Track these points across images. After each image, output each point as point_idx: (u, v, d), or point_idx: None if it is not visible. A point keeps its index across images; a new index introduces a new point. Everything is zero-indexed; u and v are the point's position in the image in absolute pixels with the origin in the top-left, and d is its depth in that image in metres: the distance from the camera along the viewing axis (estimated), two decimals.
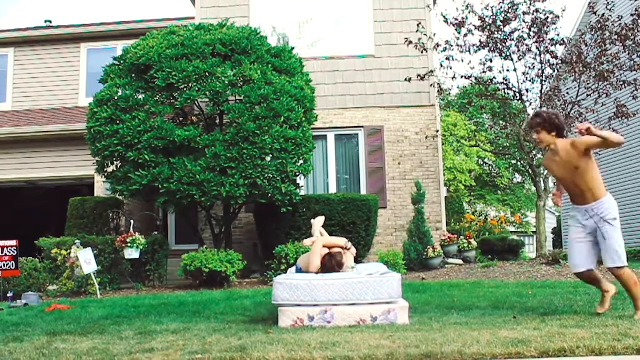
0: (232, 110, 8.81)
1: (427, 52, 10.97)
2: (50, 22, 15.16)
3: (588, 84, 10.39)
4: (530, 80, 10.72)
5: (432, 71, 11.07)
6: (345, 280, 4.82)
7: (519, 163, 17.34)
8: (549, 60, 10.42)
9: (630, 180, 16.47)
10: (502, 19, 10.46)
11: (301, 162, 9.31)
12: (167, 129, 8.65)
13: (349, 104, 11.64)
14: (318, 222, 6.31)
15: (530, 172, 10.93)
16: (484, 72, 11.01)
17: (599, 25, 10.23)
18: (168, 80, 8.76)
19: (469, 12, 10.68)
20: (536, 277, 8.24)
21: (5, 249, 7.90)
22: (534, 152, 10.87)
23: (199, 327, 4.83)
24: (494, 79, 11.05)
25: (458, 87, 24.17)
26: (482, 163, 25.81)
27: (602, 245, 4.58)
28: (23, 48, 14.07)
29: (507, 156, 20.64)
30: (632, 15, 10.23)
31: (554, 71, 10.54)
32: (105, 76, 9.54)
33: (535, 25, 10.33)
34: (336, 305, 4.75)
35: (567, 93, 10.84)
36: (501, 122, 11.65)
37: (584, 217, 4.71)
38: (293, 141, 8.93)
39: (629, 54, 10.27)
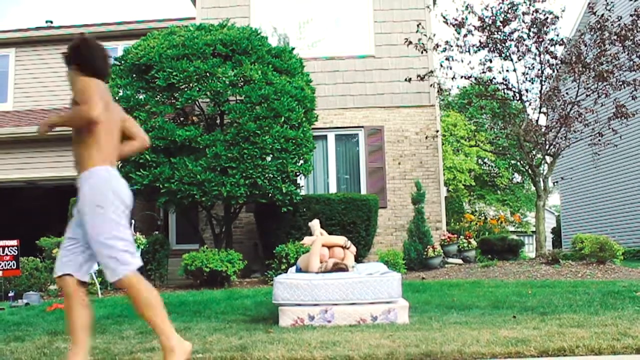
0: (232, 110, 8.83)
1: (427, 52, 10.99)
2: (51, 22, 15.21)
3: (587, 84, 10.40)
4: (529, 81, 10.75)
5: (432, 71, 11.10)
6: (345, 280, 4.84)
7: (518, 163, 17.36)
8: (548, 61, 10.44)
9: (629, 180, 16.51)
10: (501, 19, 10.48)
11: (301, 162, 9.33)
12: (168, 129, 8.68)
13: (349, 104, 11.67)
14: (315, 224, 6.34)
15: (530, 172, 10.93)
16: (483, 72, 11.03)
17: (598, 26, 10.24)
18: (169, 80, 8.78)
19: (469, 13, 10.70)
20: (535, 277, 8.26)
21: (6, 248, 7.91)
22: (534, 152, 10.90)
23: (199, 326, 4.84)
24: (493, 79, 11.07)
25: (458, 87, 24.26)
26: (481, 163, 25.85)
27: None
28: (24, 48, 14.10)
29: (506, 156, 20.67)
30: (631, 15, 10.25)
31: (554, 71, 10.55)
32: None
33: (534, 26, 10.35)
34: (336, 304, 4.77)
35: (567, 93, 10.86)
36: (501, 122, 11.67)
37: None
38: (293, 141, 8.95)
39: (628, 54, 10.28)
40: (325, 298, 4.77)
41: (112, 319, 5.52)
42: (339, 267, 5.14)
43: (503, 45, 10.57)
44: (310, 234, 6.34)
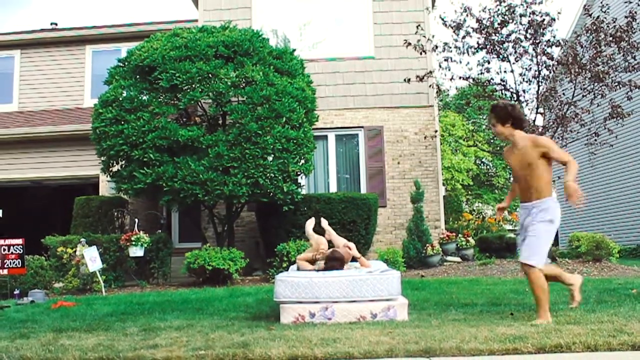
0: (234, 111, 8.88)
1: (425, 53, 11.05)
2: (56, 24, 15.26)
3: (584, 84, 10.45)
4: (526, 81, 10.75)
5: (430, 72, 11.17)
6: (345, 278, 4.89)
7: None
8: (545, 62, 10.47)
9: (627, 179, 16.62)
10: (499, 21, 10.55)
11: (302, 161, 9.38)
12: (171, 129, 8.73)
13: (349, 105, 11.76)
14: (309, 225, 6.39)
15: None
16: (481, 73, 11.07)
17: (594, 27, 10.26)
18: (172, 82, 8.83)
19: (467, 15, 10.77)
20: None
21: (12, 247, 7.89)
22: None
23: (202, 323, 4.86)
24: (491, 80, 11.12)
25: (456, 88, 24.32)
26: (479, 162, 25.94)
27: (527, 239, 4.53)
28: (29, 50, 14.19)
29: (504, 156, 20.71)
30: (626, 17, 10.28)
31: (550, 72, 10.56)
32: (110, 77, 9.61)
33: (531, 27, 10.41)
34: (336, 302, 4.81)
35: (563, 94, 10.90)
36: None
37: (523, 216, 4.70)
38: (294, 141, 9.00)
39: (623, 55, 10.31)
40: (325, 295, 4.81)
41: (116, 316, 5.56)
42: (331, 265, 5.20)
43: (500, 46, 10.61)
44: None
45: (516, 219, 25.62)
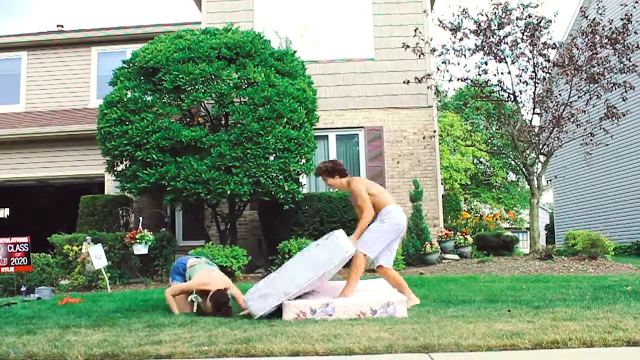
0: (236, 112, 8.92)
1: (424, 55, 11.17)
2: (62, 26, 15.37)
3: (579, 86, 10.54)
4: (523, 83, 10.87)
5: (429, 74, 11.27)
6: (304, 256, 5.07)
7: (512, 162, 17.57)
8: (541, 63, 10.57)
9: (620, 178, 16.74)
10: (496, 23, 10.66)
11: (303, 161, 9.42)
12: (174, 130, 8.78)
13: (349, 105, 11.87)
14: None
15: (524, 170, 11.07)
16: (479, 74, 11.20)
17: (590, 29, 10.37)
18: (175, 83, 8.89)
19: (465, 17, 10.86)
20: (530, 272, 8.36)
21: (18, 245, 7.90)
22: (528, 152, 11.06)
23: (205, 319, 4.85)
24: (488, 81, 11.22)
25: (454, 89, 24.38)
26: (477, 162, 26.02)
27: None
28: (36, 51, 14.29)
29: (501, 155, 20.87)
30: (621, 19, 10.38)
31: (547, 74, 10.65)
32: (115, 79, 9.65)
33: (528, 30, 10.53)
34: (337, 298, 4.87)
35: (559, 94, 10.99)
36: (495, 122, 11.86)
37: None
38: (295, 141, 9.04)
39: (618, 56, 10.43)
40: (300, 277, 4.89)
41: (121, 312, 5.57)
42: (224, 312, 5.04)
43: (498, 48, 10.71)
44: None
45: (513, 217, 25.85)
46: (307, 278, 4.87)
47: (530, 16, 10.49)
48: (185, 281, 5.69)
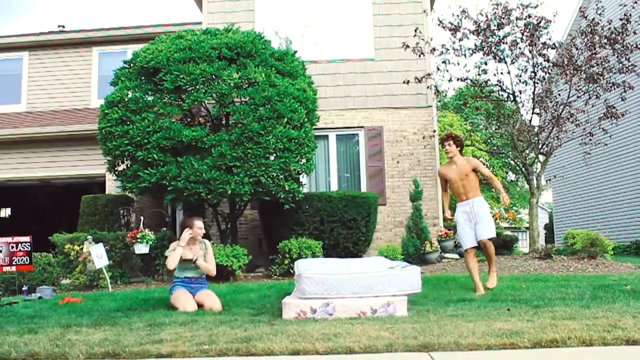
0: (237, 111, 8.93)
1: (424, 55, 11.21)
2: (63, 27, 15.38)
3: (579, 85, 10.58)
4: (523, 82, 10.92)
5: (429, 74, 11.30)
6: (369, 274, 4.98)
7: (512, 162, 17.60)
8: (541, 63, 10.62)
9: (619, 178, 16.78)
10: (496, 23, 10.70)
11: (304, 161, 9.43)
12: (175, 130, 8.78)
13: (349, 105, 11.90)
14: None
15: (523, 170, 11.12)
16: (478, 74, 11.25)
17: (589, 29, 10.40)
18: (176, 83, 8.89)
19: (464, 17, 10.90)
20: (529, 271, 8.40)
21: (20, 244, 7.90)
22: (527, 151, 11.10)
23: (205, 319, 4.88)
24: (488, 81, 11.26)
25: (454, 89, 24.39)
26: None
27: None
28: (37, 51, 14.33)
29: (500, 155, 20.90)
30: (621, 19, 10.41)
31: (546, 74, 10.70)
32: (116, 79, 9.66)
33: (527, 30, 10.56)
34: (340, 298, 4.87)
35: (559, 94, 11.04)
36: (495, 122, 11.90)
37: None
38: (296, 141, 9.05)
39: (617, 57, 10.47)
40: (350, 292, 4.87)
41: (122, 311, 5.61)
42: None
43: (497, 48, 10.75)
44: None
45: (512, 217, 25.86)
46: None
47: (530, 16, 10.53)
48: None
